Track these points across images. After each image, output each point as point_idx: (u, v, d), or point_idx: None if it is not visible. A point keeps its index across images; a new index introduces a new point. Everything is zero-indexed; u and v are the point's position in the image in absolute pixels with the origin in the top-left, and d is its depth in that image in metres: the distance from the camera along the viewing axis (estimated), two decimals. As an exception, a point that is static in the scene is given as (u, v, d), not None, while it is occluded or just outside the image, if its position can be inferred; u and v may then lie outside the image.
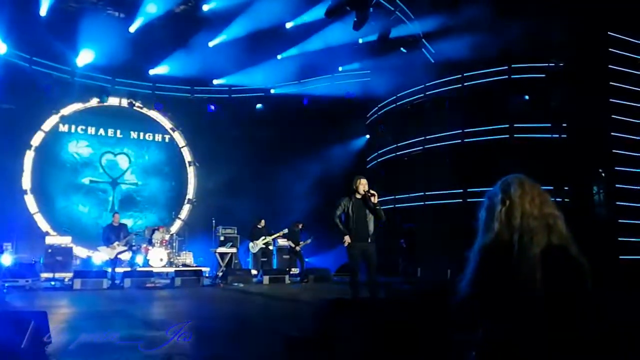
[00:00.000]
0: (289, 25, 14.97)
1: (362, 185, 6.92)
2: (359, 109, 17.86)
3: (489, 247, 1.96)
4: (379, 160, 17.10)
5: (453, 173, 14.23)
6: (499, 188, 2.06)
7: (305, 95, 17.50)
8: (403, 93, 16.10)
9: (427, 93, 15.37)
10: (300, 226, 14.31)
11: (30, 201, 15.41)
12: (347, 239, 6.77)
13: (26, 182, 15.43)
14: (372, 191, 6.86)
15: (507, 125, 13.35)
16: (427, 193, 14.97)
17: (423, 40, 15.01)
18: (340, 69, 17.11)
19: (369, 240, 6.84)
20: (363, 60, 16.41)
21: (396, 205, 15.80)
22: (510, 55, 13.06)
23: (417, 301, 3.86)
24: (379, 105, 17.23)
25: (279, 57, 16.12)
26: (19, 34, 13.77)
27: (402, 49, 14.99)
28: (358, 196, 6.92)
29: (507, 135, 13.33)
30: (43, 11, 13.36)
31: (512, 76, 13.53)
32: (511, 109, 13.42)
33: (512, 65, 13.44)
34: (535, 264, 1.85)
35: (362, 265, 6.88)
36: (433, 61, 15.05)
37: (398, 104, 16.39)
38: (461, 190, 13.82)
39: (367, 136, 18.52)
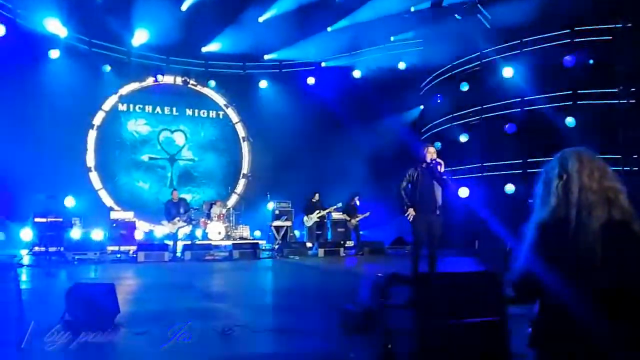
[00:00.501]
0: (337, -4, 14.73)
1: (430, 153, 6.54)
2: (412, 80, 17.47)
3: (546, 223, 1.91)
4: (433, 131, 16.74)
5: (513, 143, 13.75)
6: (556, 161, 2.00)
7: (357, 67, 17.28)
8: (459, 61, 15.59)
9: (484, 61, 14.81)
10: (356, 200, 14.34)
11: (94, 178, 16.12)
12: (411, 211, 6.46)
13: (90, 159, 16.13)
14: (439, 159, 6.51)
15: (571, 92, 12.70)
16: (484, 164, 14.57)
17: (479, 5, 14.40)
18: (392, 39, 16.69)
19: (436, 213, 6.51)
20: (416, 29, 15.94)
21: (452, 177, 15.47)
22: (573, 17, 12.34)
23: (473, 276, 3.78)
24: (434, 75, 16.78)
25: (329, 29, 15.93)
26: (77, 17, 14.23)
27: (456, 15, 14.46)
28: (424, 165, 6.56)
29: (571, 102, 12.69)
30: (99, -7, 13.73)
31: (575, 39, 12.80)
32: (575, 74, 12.72)
33: (575, 28, 12.69)
34: (595, 239, 1.79)
35: (426, 238, 6.56)
36: (490, 27, 14.44)
37: (454, 72, 15.90)
38: (521, 161, 13.36)
39: (422, 107, 18.12)
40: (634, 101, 11.73)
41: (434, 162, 6.51)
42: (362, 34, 15.74)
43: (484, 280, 3.62)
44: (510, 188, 13.16)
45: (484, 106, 14.64)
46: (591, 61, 12.57)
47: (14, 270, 9.08)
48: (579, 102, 12.58)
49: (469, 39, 14.43)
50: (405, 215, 6.58)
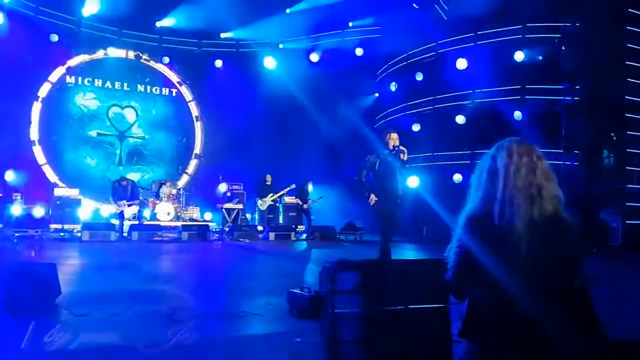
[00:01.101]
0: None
1: (393, 140, 6.41)
2: (369, 66, 17.56)
3: (473, 215, 1.89)
4: (387, 119, 16.92)
5: (462, 134, 14.08)
6: (489, 153, 1.97)
7: (314, 51, 17.19)
8: (414, 50, 15.76)
9: (439, 51, 15.04)
10: (309, 185, 14.34)
11: (38, 152, 15.45)
12: (373, 197, 6.39)
13: (34, 133, 15.44)
14: (402, 147, 6.38)
15: (519, 86, 13.12)
16: (435, 154, 14.87)
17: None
18: (350, 24, 16.68)
19: (397, 201, 6.43)
20: (374, 15, 15.98)
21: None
22: (525, 13, 12.70)
23: (420, 263, 3.88)
24: (389, 63, 16.91)
25: (287, 10, 15.76)
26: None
27: (414, 4, 14.59)
28: (387, 152, 6.43)
29: (519, 97, 13.11)
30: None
31: (526, 35, 13.19)
32: (524, 70, 13.13)
33: (527, 24, 13.08)
34: (519, 237, 1.78)
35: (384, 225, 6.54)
36: (446, 18, 14.66)
37: (409, 61, 16.08)
38: (469, 152, 13.71)
39: (377, 94, 18.26)
40: (577, 98, 12.25)
41: (396, 148, 6.40)
42: (321, 18, 15.66)
43: (431, 267, 3.71)
44: (458, 177, 13.50)
45: (437, 96, 14.91)
46: (540, 57, 13.03)
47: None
48: (527, 97, 13.02)
49: (425, 29, 14.60)
50: (369, 201, 6.49)
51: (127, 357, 3.61)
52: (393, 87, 16.54)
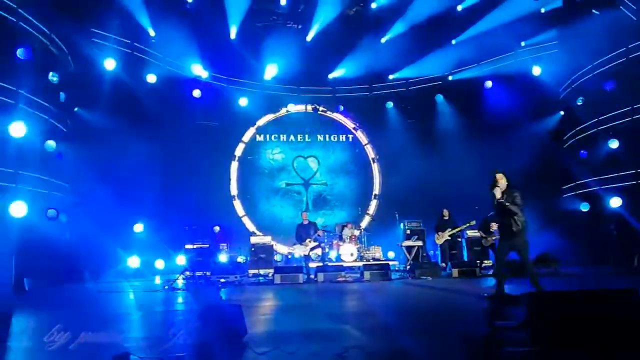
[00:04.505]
0: (459, 8, 14.33)
1: (500, 185, 7.46)
2: (549, 84, 16.28)
3: None
4: (577, 137, 15.37)
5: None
6: None
7: (486, 77, 16.56)
8: (601, 60, 14.20)
9: (631, 56, 13.31)
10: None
11: (238, 206, 17.34)
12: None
13: (233, 188, 17.41)
14: (514, 191, 7.26)
15: None
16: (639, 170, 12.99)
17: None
18: (522, 44, 15.76)
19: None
20: (548, 30, 14.87)
21: (602, 187, 14.03)
22: None
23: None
24: (573, 77, 15.46)
25: (453, 42, 15.54)
26: (215, 59, 15.63)
27: (594, 10, 13.24)
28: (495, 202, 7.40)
29: None
30: (232, 35, 14.94)
31: None
32: None
33: None
34: None
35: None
36: (635, 19, 12.98)
37: (596, 72, 14.51)
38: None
39: (561, 112, 16.74)
40: None
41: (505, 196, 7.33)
42: (489, 43, 15.09)
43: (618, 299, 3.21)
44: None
45: (635, 106, 13.12)
46: None
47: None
48: None
49: (611, 35, 13.10)
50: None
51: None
52: (579, 102, 15.03)
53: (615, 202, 13.51)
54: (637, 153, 13.13)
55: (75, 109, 14.44)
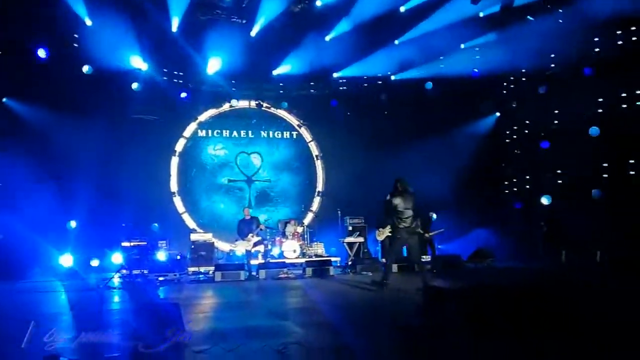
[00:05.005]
0: (402, 9, 14.59)
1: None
2: (486, 86, 16.90)
3: None
4: (514, 137, 16.05)
5: (601, 146, 12.85)
6: None
7: (427, 78, 16.93)
8: (537, 64, 14.84)
9: (562, 62, 14.03)
10: (433, 215, 14.02)
11: (178, 202, 16.93)
12: None
13: (173, 185, 16.98)
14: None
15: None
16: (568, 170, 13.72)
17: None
18: (462, 46, 16.21)
19: None
20: (486, 34, 15.39)
21: (534, 185, 14.73)
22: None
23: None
24: (510, 79, 16.13)
25: (396, 42, 15.81)
26: (155, 51, 15.18)
27: (528, 16, 13.82)
28: None
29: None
30: (174, 27, 14.56)
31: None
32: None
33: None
34: None
35: None
36: (568, 26, 13.62)
37: (530, 76, 15.19)
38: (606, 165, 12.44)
39: (497, 114, 17.42)
40: None
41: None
42: (430, 45, 15.43)
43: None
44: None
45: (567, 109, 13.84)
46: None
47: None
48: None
49: (547, 39, 13.72)
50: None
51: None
52: (514, 104, 15.72)
53: (545, 201, 14.21)
54: (567, 154, 13.83)
55: (4, 100, 13.68)
